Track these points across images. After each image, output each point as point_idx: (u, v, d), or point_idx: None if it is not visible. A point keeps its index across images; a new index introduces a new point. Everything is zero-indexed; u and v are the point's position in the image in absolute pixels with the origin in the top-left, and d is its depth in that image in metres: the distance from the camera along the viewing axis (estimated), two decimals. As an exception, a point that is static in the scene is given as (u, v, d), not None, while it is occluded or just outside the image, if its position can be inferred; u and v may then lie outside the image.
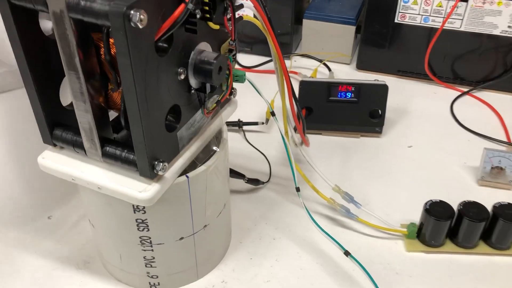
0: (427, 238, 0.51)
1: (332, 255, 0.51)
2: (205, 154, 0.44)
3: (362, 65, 0.84)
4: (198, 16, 0.35)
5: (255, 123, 0.69)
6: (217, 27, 0.39)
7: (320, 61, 0.84)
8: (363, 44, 0.81)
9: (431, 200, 0.51)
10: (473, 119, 0.72)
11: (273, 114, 0.50)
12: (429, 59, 0.78)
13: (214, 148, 0.44)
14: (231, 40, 0.42)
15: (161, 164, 0.37)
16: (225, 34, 0.42)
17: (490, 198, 0.58)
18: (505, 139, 0.68)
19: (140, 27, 0.30)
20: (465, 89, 0.79)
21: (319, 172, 0.54)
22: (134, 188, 0.38)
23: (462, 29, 0.74)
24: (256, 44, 0.87)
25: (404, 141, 0.68)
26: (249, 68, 0.84)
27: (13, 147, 0.52)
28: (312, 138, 0.69)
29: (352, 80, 0.66)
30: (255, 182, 0.59)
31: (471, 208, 0.50)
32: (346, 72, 0.84)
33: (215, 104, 0.42)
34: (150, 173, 0.37)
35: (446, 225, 0.50)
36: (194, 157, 0.42)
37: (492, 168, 0.59)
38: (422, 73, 0.80)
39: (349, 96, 0.67)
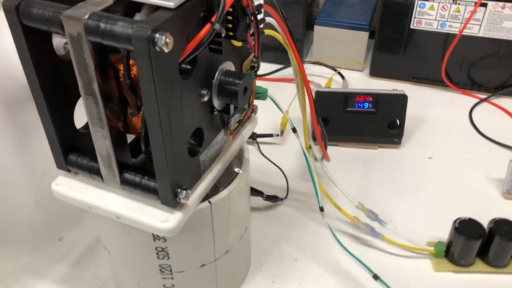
0: (456, 257, 0.49)
1: (358, 277, 0.49)
2: (227, 176, 0.42)
3: (375, 72, 0.82)
4: (223, 35, 0.33)
5: (270, 135, 0.67)
6: (239, 44, 0.37)
7: (333, 69, 0.82)
8: (377, 50, 0.79)
9: (460, 218, 0.49)
10: (493, 128, 0.70)
11: (294, 130, 0.48)
12: (446, 65, 0.76)
13: (237, 169, 0.42)
14: (254, 57, 0.40)
15: (184, 191, 0.35)
16: (247, 50, 0.40)
17: (518, 213, 0.56)
18: (528, 149, 0.66)
19: (166, 51, 0.28)
20: (483, 96, 0.76)
21: (342, 189, 0.52)
22: (156, 217, 0.35)
23: (480, 34, 0.72)
24: (266, 51, 0.85)
25: (424, 152, 0.66)
26: (259, 76, 0.82)
27: (24, 165, 0.49)
28: (329, 149, 0.66)
29: (369, 90, 0.64)
30: (273, 199, 0.56)
31: (502, 226, 0.48)
32: (359, 80, 0.81)
33: (237, 124, 0.40)
34: (173, 202, 0.35)
35: (477, 245, 0.48)
36: (216, 180, 0.40)
37: (518, 180, 0.57)
38: (438, 80, 0.78)
39: (367, 107, 0.65)
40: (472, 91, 0.77)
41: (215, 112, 0.37)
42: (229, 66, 0.37)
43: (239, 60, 0.39)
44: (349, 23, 0.80)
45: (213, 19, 0.31)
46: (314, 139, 0.57)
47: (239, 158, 0.44)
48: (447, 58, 0.73)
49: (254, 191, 0.55)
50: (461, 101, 0.76)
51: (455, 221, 0.49)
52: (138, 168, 0.36)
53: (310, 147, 0.53)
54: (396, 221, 0.55)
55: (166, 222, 0.35)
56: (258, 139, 0.67)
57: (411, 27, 0.75)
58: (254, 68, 0.41)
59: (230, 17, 0.34)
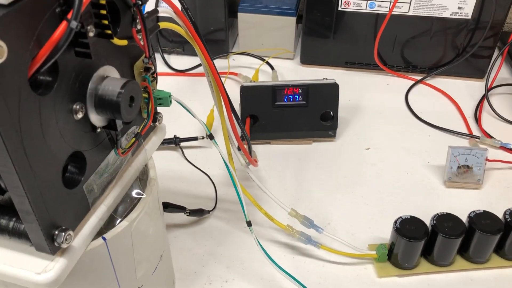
0: (400, 260, 0.45)
1: (295, 295, 0.44)
2: (127, 203, 0.35)
3: (306, 60, 0.76)
4: (92, 34, 0.26)
5: (194, 138, 0.60)
6: (124, 42, 0.30)
7: (262, 59, 0.76)
8: (306, 36, 0.74)
9: (400, 217, 0.45)
10: (431, 111, 0.67)
11: (211, 137, 0.42)
12: (378, 47, 0.72)
13: (135, 194, 0.35)
14: (145, 57, 0.33)
15: (63, 233, 0.28)
16: (138, 49, 0.33)
17: (460, 200, 0.53)
18: (465, 131, 0.63)
19: (-4, 62, 0.20)
20: (418, 77, 0.73)
21: (273, 196, 0.47)
22: (31, 268, 0.28)
23: (410, 13, 0.68)
24: (189, 44, 0.77)
25: (361, 143, 0.62)
26: (181, 71, 0.75)
27: None
28: (261, 148, 0.61)
29: (298, 81, 0.59)
30: (198, 213, 0.50)
31: (445, 222, 0.44)
32: (290, 69, 0.76)
33: (133, 139, 0.33)
34: (50, 248, 0.28)
35: (420, 245, 0.44)
36: (112, 210, 0.33)
37: (458, 167, 0.54)
38: (372, 64, 0.74)
39: (297, 99, 0.59)
40: (407, 73, 0.74)
41: (98, 130, 0.30)
42: (110, 71, 0.30)
43: (129, 61, 0.32)
44: (274, 8, 0.74)
45: (69, 16, 0.24)
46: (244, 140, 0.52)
47: (142, 180, 0.37)
48: (378, 40, 0.69)
49: (174, 208, 0.48)
50: (397, 84, 0.73)
51: (395, 222, 0.45)
52: (5, 208, 0.29)
53: (233, 153, 0.47)
54: (335, 224, 0.51)
55: (45, 273, 0.28)
56: (182, 144, 0.60)
57: (339, 9, 0.70)
58: (149, 70, 0.34)
59: (104, 11, 0.27)
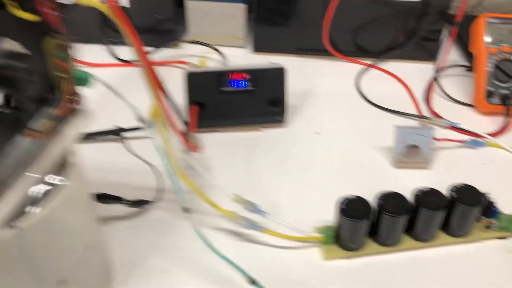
0: (346, 241, 0.44)
1: (239, 282, 0.42)
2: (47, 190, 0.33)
3: (259, 47, 0.75)
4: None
5: (137, 128, 0.58)
6: (32, 17, 0.27)
7: (214, 48, 0.74)
8: (257, 23, 0.73)
9: (345, 198, 0.44)
10: (381, 94, 0.66)
11: (149, 125, 0.40)
12: (329, 32, 0.71)
13: (54, 181, 0.33)
14: (56, 33, 0.31)
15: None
16: (51, 25, 0.31)
17: (409, 181, 0.53)
18: (416, 112, 0.63)
19: None
20: (370, 62, 0.73)
21: (213, 181, 0.45)
22: None
23: (358, -4, 0.68)
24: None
25: (311, 128, 0.61)
26: (127, 62, 0.72)
27: None
28: (209, 137, 0.59)
29: (244, 66, 0.57)
30: (138, 204, 0.48)
31: (391, 201, 0.44)
32: (242, 57, 0.74)
33: (48, 121, 0.31)
34: None
35: (365, 225, 0.43)
36: (25, 197, 0.30)
37: (406, 147, 0.54)
38: (323, 50, 0.73)
39: (243, 85, 0.58)
40: (358, 58, 0.73)
41: (-1, 108, 0.28)
42: (11, 45, 0.28)
43: (35, 37, 0.30)
44: (223, -5, 0.72)
45: None
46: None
47: (63, 166, 0.34)
48: (326, 24, 0.68)
49: (109, 198, 0.46)
50: (348, 69, 0.72)
51: (340, 202, 0.44)
52: None
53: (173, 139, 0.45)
54: (282, 209, 0.49)
55: None
56: (127, 135, 0.58)
57: (287, -7, 0.69)
58: (63, 48, 0.32)
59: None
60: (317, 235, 0.45)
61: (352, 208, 0.43)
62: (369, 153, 0.57)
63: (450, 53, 0.74)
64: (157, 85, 0.40)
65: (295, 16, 0.71)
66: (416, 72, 0.71)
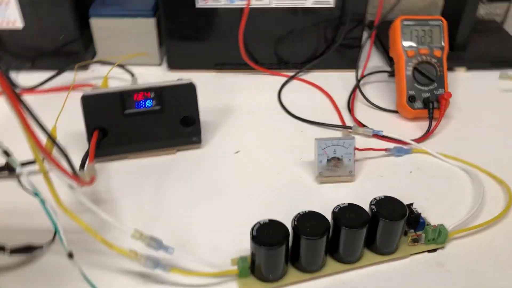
0: (264, 272, 0.39)
1: (140, 333, 0.36)
2: None
3: (174, 64, 0.70)
4: None
5: (32, 162, 0.51)
6: None
7: (125, 68, 0.69)
8: (169, 38, 0.68)
9: (258, 223, 0.40)
10: (304, 106, 0.63)
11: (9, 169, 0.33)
12: (247, 45, 0.68)
13: None
14: None
15: None
16: None
17: (333, 196, 0.50)
18: (339, 122, 0.60)
19: None
20: (291, 74, 0.70)
21: (110, 219, 0.39)
22: None
23: (272, 5, 0.65)
24: (39, 58, 0.69)
25: (230, 147, 0.56)
26: (31, 89, 0.65)
27: None
28: (116, 165, 0.53)
29: (149, 84, 0.52)
30: (25, 250, 0.41)
31: (307, 222, 0.39)
32: (156, 76, 0.69)
33: None
34: None
35: (281, 252, 0.38)
36: None
37: (328, 160, 0.50)
38: (242, 63, 0.69)
39: (150, 105, 0.53)
40: (279, 70, 0.70)
41: None
42: None
43: None
44: (130, 10, 0.67)
45: None
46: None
47: None
48: (241, 37, 0.65)
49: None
50: (270, 82, 0.69)
51: (252, 228, 0.39)
52: None
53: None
54: (195, 240, 0.44)
55: None
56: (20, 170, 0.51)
57: (197, 6, 0.65)
58: None
59: None
60: (232, 268, 0.40)
61: (265, 234, 0.38)
62: (291, 170, 0.53)
63: (372, 60, 0.72)
64: (22, 118, 0.34)
65: (207, 29, 0.67)
66: (338, 81, 0.68)
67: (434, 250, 0.43)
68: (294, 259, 0.40)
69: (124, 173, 0.52)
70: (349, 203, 0.41)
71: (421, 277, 0.41)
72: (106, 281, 0.41)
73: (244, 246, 0.43)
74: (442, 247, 0.43)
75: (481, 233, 0.45)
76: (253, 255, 0.39)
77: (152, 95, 0.52)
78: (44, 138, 0.36)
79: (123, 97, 0.51)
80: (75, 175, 0.40)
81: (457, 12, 0.70)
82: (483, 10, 0.83)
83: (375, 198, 0.42)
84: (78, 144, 0.56)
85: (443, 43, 0.61)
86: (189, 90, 0.53)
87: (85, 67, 0.70)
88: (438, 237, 0.43)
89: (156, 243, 0.40)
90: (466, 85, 0.68)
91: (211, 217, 0.47)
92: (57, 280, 0.41)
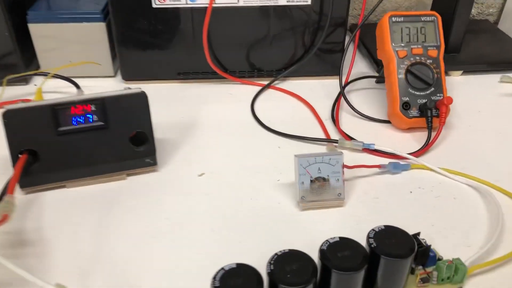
0: (231, 334, 0.29)
1: None
2: None
3: (129, 75, 0.61)
4: None
5: None
6: None
7: (71, 81, 0.58)
8: (121, 45, 0.58)
9: (222, 269, 0.30)
10: (281, 118, 0.54)
11: None
12: (214, 51, 0.59)
13: None
14: None
15: None
16: None
17: (320, 226, 0.40)
18: (323, 135, 0.51)
19: None
20: (266, 82, 0.61)
21: (24, 273, 0.29)
22: None
23: (240, 4, 0.56)
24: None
25: (193, 169, 0.47)
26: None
27: None
28: (52, 196, 0.43)
29: (88, 95, 0.43)
30: None
31: (287, 265, 0.30)
32: (108, 88, 0.59)
33: None
34: None
35: (254, 308, 0.29)
36: None
37: (312, 181, 0.41)
38: (210, 72, 0.60)
39: (91, 120, 0.43)
40: (252, 79, 0.61)
41: None
42: None
43: None
44: (74, 14, 0.58)
45: None
46: None
47: None
48: (206, 40, 0.56)
49: None
50: (241, 92, 0.60)
51: (214, 277, 0.29)
52: None
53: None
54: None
55: None
56: None
57: (154, 5, 0.55)
58: None
59: None
60: (189, 328, 0.30)
61: (231, 284, 0.29)
62: (267, 194, 0.43)
63: (356, 66, 0.64)
64: None
65: (166, 33, 0.58)
66: (320, 89, 0.60)
67: (450, 292, 0.34)
68: (271, 314, 0.31)
69: (60, 206, 0.42)
70: (340, 237, 0.32)
71: (437, 330, 0.32)
72: None
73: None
74: (460, 288, 0.34)
75: (507, 266, 0.36)
76: (216, 312, 0.29)
77: (93, 108, 0.42)
78: None
79: (56, 111, 0.41)
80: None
81: (448, 10, 0.62)
82: (474, 10, 0.77)
83: (373, 230, 0.33)
84: (5, 171, 0.45)
85: (438, 41, 0.53)
86: (140, 100, 0.43)
87: (25, 82, 0.60)
88: (454, 275, 0.34)
89: (85, 302, 0.30)
90: (463, 90, 0.60)
91: (165, 258, 0.37)
92: None
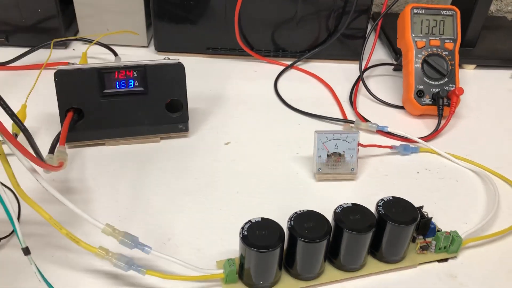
0: (253, 278, 0.34)
1: None
2: None
3: (162, 46, 0.65)
4: None
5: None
6: None
7: (109, 48, 0.62)
8: (158, 19, 0.62)
9: (249, 221, 0.34)
10: (302, 97, 0.58)
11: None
12: (243, 30, 0.63)
13: None
14: None
15: None
16: None
17: (333, 195, 0.45)
18: (340, 116, 0.55)
19: None
20: (289, 62, 0.65)
21: (73, 207, 0.34)
22: None
23: (272, -14, 0.60)
24: (15, 33, 0.63)
25: (220, 137, 0.51)
26: (2, 65, 0.59)
27: None
28: (92, 151, 0.48)
29: (132, 62, 0.47)
30: (-23, 242, 0.36)
31: (305, 222, 0.34)
32: (142, 58, 0.64)
33: None
34: None
35: (275, 256, 0.33)
36: None
37: (328, 155, 0.45)
38: (237, 49, 0.64)
39: (132, 86, 0.47)
40: (276, 58, 0.65)
41: None
42: None
43: None
44: (116, -15, 0.62)
45: None
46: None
47: None
48: (237, 19, 0.60)
49: None
50: (265, 70, 0.64)
51: (242, 228, 0.34)
52: None
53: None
54: (177, 239, 0.39)
55: None
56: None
57: (191, -18, 0.59)
58: None
59: None
60: (217, 271, 0.35)
61: (257, 234, 0.33)
62: (287, 165, 0.48)
63: (376, 53, 0.68)
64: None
65: (200, 10, 0.61)
66: (340, 73, 0.64)
67: (445, 260, 0.39)
68: (288, 264, 0.35)
69: (100, 161, 0.47)
70: (352, 203, 0.36)
71: (431, 290, 0.36)
72: (70, 281, 0.35)
73: (232, 247, 0.38)
74: (455, 257, 0.39)
75: (497, 242, 0.40)
76: (242, 258, 0.34)
77: (135, 74, 0.47)
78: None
79: (102, 75, 0.46)
80: (38, 158, 0.34)
81: (468, 5, 0.65)
82: (493, 6, 0.79)
83: (382, 199, 0.37)
84: (51, 125, 0.50)
85: (455, 35, 0.56)
86: (177, 70, 0.47)
87: (65, 46, 0.65)
88: (450, 246, 0.38)
89: (130, 241, 0.34)
90: (475, 83, 0.64)
91: (195, 213, 0.42)
92: (12, 278, 0.35)
